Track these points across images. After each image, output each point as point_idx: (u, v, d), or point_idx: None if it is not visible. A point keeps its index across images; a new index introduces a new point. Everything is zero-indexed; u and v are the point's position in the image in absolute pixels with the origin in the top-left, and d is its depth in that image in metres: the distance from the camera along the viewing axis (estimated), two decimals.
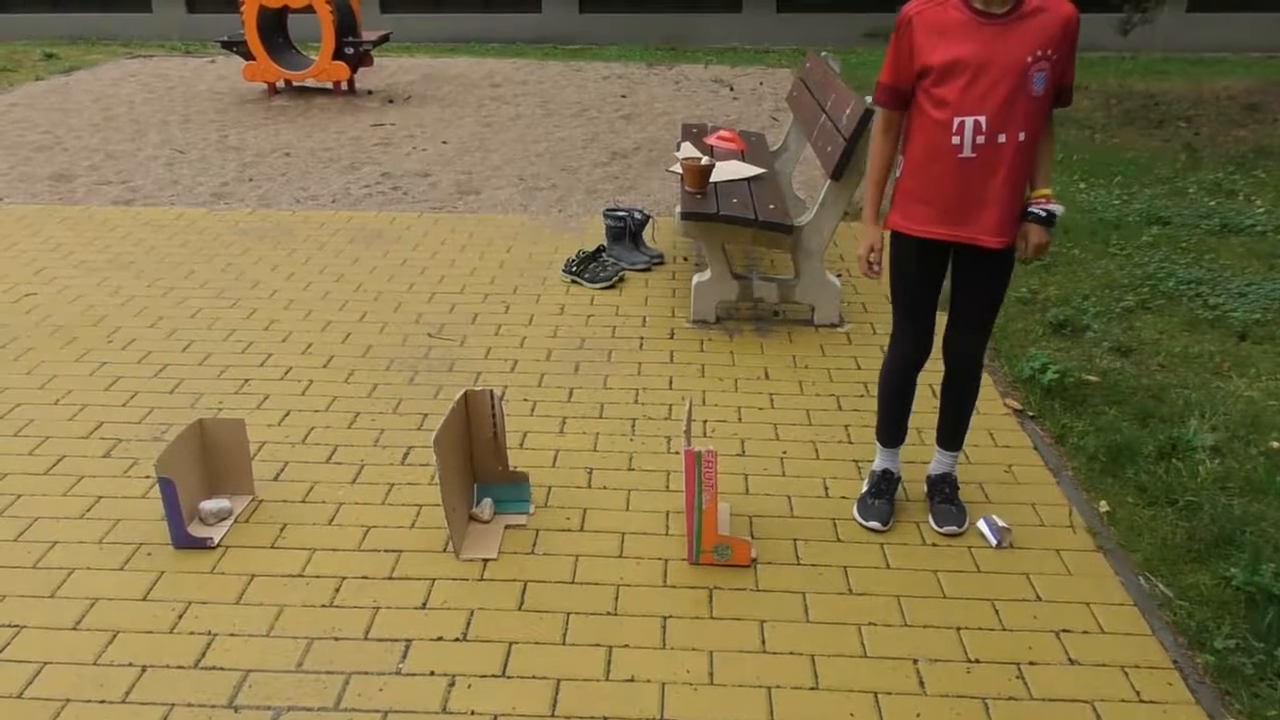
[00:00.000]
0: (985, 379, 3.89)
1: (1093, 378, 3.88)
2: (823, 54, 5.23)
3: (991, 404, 3.71)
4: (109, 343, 4.17)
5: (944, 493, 3.03)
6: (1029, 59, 2.48)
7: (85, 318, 4.40)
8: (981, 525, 2.98)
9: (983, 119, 2.51)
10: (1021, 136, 2.53)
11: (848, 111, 4.08)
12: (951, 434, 3.01)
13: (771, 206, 4.34)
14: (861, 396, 3.77)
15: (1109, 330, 4.31)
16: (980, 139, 2.53)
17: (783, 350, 4.15)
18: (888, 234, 2.80)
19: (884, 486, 3.06)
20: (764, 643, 2.53)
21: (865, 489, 3.10)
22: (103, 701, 2.34)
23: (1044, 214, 2.64)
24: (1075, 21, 2.50)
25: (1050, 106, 2.59)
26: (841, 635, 2.56)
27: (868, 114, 3.89)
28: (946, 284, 2.87)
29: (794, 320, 4.42)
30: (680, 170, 4.57)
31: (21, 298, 4.61)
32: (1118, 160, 7.05)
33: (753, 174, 4.81)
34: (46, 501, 3.10)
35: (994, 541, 2.91)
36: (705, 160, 4.44)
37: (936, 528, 2.97)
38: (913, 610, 2.65)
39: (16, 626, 2.58)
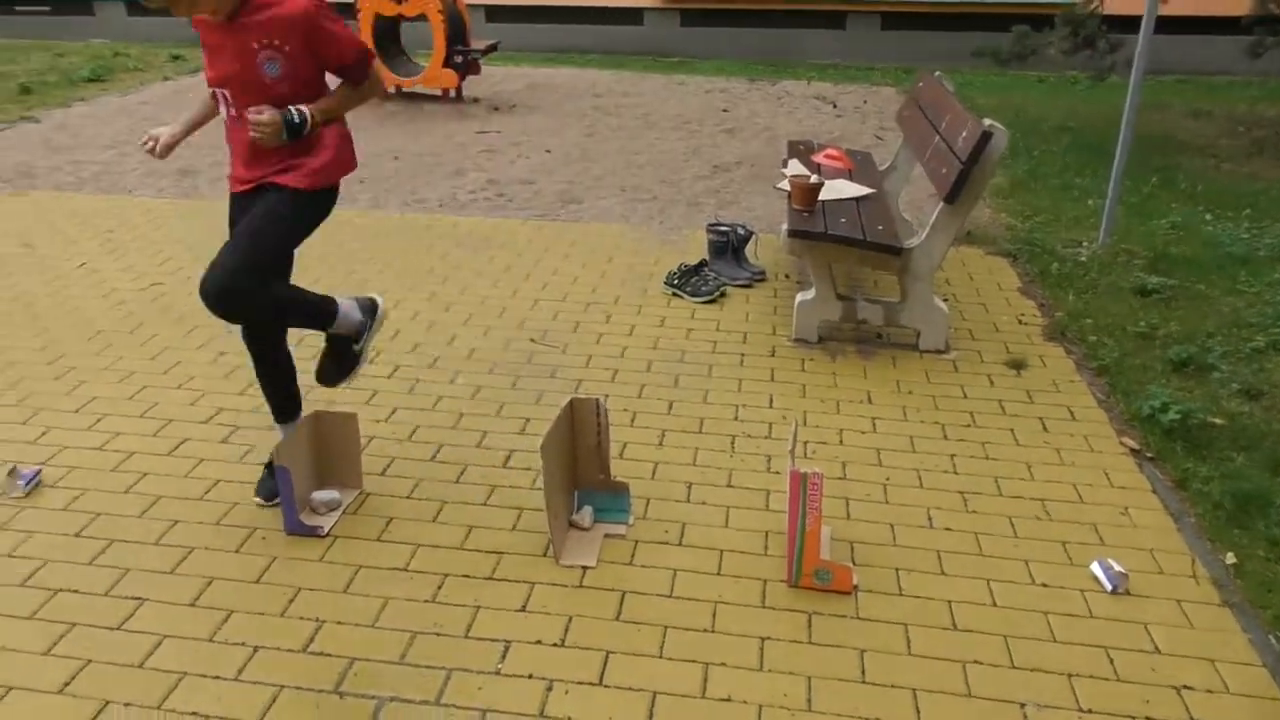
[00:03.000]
0: (1101, 415, 3.79)
1: (1218, 420, 3.74)
2: (935, 73, 5.17)
3: (1107, 441, 3.61)
4: (227, 333, 4.31)
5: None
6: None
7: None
8: (1095, 568, 2.89)
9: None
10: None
11: (964, 134, 4.02)
12: None
13: (880, 227, 4.30)
14: (968, 426, 3.71)
15: (1237, 371, 4.15)
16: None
17: (886, 374, 4.10)
18: None
19: None
20: (864, 673, 2.50)
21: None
22: (217, 678, 2.42)
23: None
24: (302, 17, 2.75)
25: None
26: (945, 671, 2.52)
27: (986, 136, 3.83)
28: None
29: (898, 344, 4.36)
30: (788, 187, 4.56)
31: (148, 286, 4.81)
32: (1247, 191, 6.79)
33: (861, 193, 4.77)
34: (170, 482, 3.22)
35: (1109, 586, 2.82)
36: (814, 178, 4.42)
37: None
38: (1021, 652, 2.59)
39: (139, 599, 2.69)
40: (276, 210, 2.85)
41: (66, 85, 9.90)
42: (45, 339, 4.22)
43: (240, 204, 2.95)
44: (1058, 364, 4.23)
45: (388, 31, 9.40)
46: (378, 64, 3.58)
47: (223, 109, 2.90)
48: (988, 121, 3.93)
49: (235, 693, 2.38)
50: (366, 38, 8.98)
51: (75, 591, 2.72)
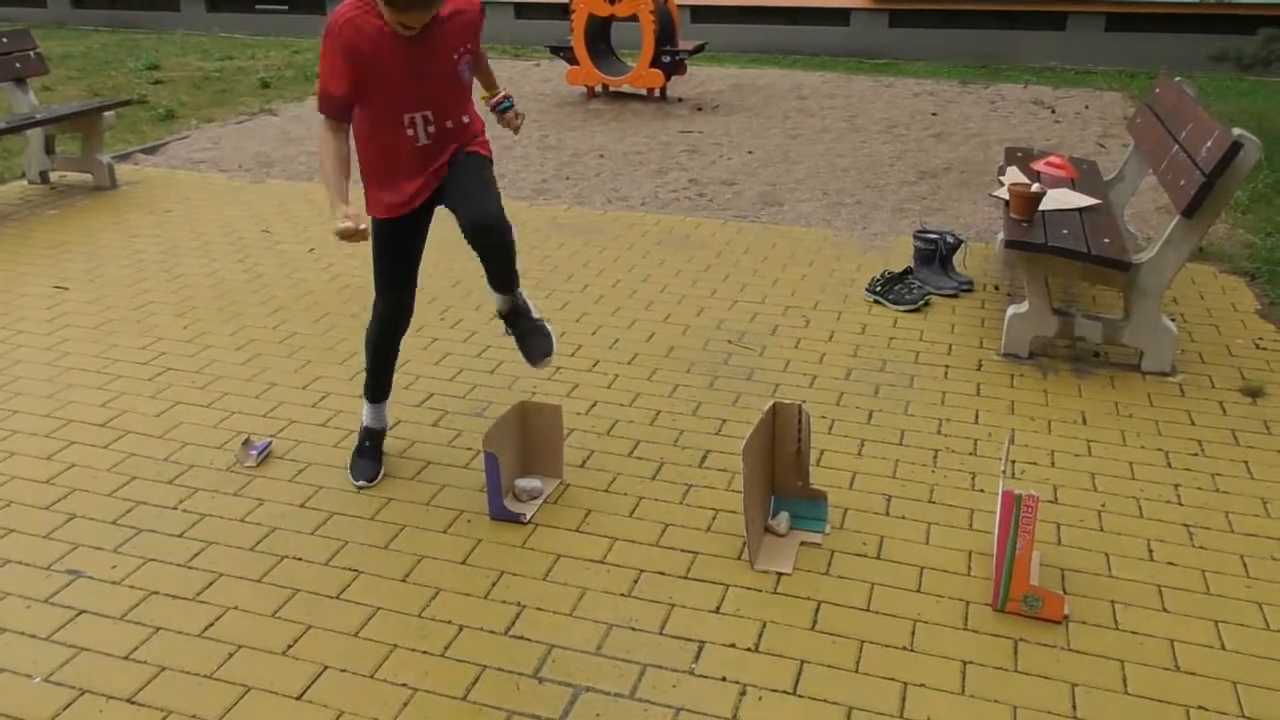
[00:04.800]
0: None
1: None
2: (1176, 79, 4.85)
3: None
4: (440, 320, 4.52)
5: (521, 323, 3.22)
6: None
7: (421, 295, 4.79)
8: None
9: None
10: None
11: (1209, 144, 3.75)
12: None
13: (1106, 240, 4.06)
14: (1195, 455, 3.46)
15: None
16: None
17: (1103, 395, 3.88)
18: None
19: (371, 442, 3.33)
20: (1075, 707, 2.37)
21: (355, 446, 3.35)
22: (425, 653, 2.54)
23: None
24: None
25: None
26: (1165, 715, 2.35)
27: (1235, 148, 3.56)
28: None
29: (1117, 364, 4.12)
30: (1006, 195, 4.37)
31: (370, 273, 5.09)
32: None
33: (1085, 204, 4.53)
34: (386, 461, 3.39)
35: None
36: (1035, 187, 4.23)
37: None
38: (1253, 701, 2.39)
39: (356, 571, 2.85)
40: (487, 167, 3.01)
41: (302, 80, 10.61)
42: (279, 318, 4.53)
43: (416, 220, 3.08)
44: None
45: (599, 31, 9.61)
46: None
47: (411, 131, 2.89)
48: (1237, 131, 3.65)
49: (441, 669, 2.49)
50: (578, 37, 9.22)
51: (299, 559, 2.90)
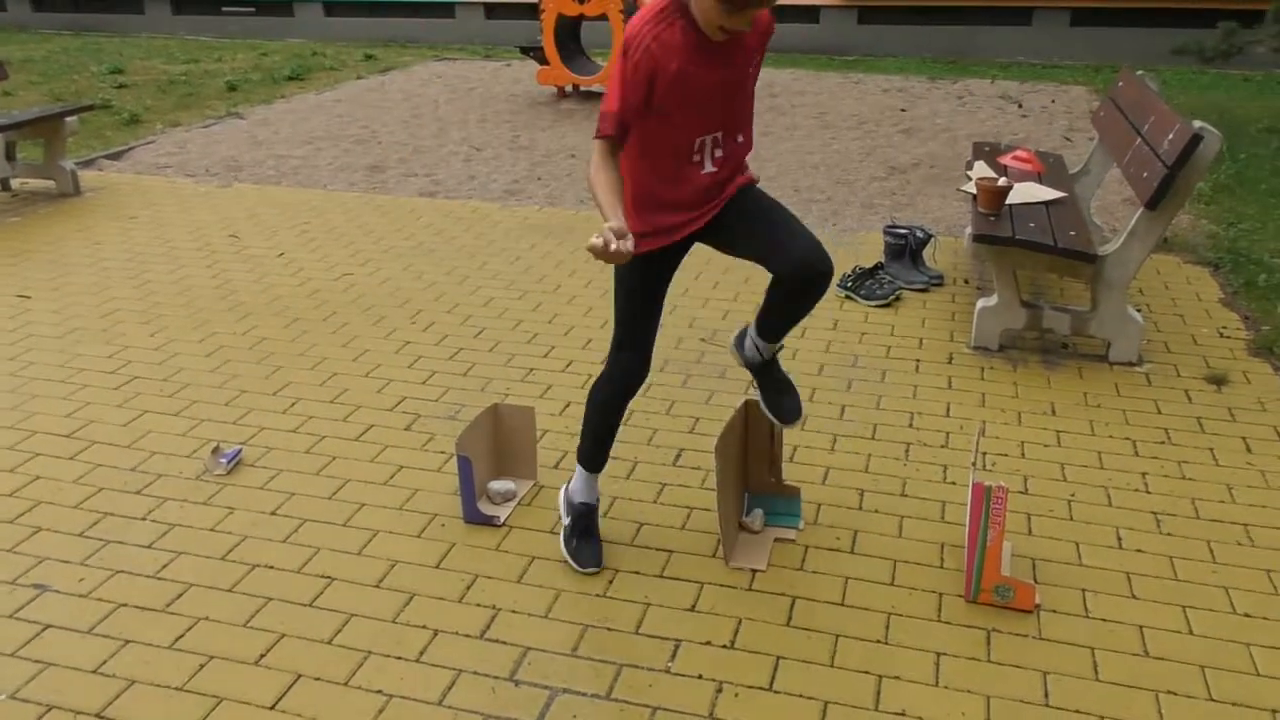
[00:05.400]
0: None
1: None
2: (1139, 72, 4.90)
3: None
4: (412, 323, 4.50)
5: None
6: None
7: (393, 299, 4.77)
8: None
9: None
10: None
11: (1170, 136, 3.79)
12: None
13: (1072, 233, 4.10)
14: (1162, 443, 3.50)
15: None
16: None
17: (1072, 386, 3.91)
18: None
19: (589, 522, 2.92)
20: (1048, 696, 2.39)
21: (567, 524, 2.94)
22: (399, 658, 2.52)
23: None
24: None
25: None
26: (1136, 700, 2.38)
27: (1195, 140, 3.60)
28: None
29: (1085, 355, 4.16)
30: (973, 190, 4.40)
31: (340, 276, 5.06)
32: None
33: (1051, 197, 4.57)
34: (357, 466, 3.38)
35: None
36: (1002, 181, 4.26)
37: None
38: (1221, 684, 2.42)
39: (329, 578, 2.83)
40: (779, 204, 2.67)
41: (270, 83, 10.53)
42: (248, 324, 4.50)
43: (677, 253, 2.70)
44: (1264, 381, 3.94)
45: (569, 30, 9.60)
46: None
47: (699, 156, 2.55)
48: (1198, 123, 3.69)
49: (417, 674, 2.48)
50: (548, 37, 9.20)
51: (271, 567, 2.88)
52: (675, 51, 2.39)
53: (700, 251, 5.39)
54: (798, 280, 2.54)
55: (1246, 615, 2.66)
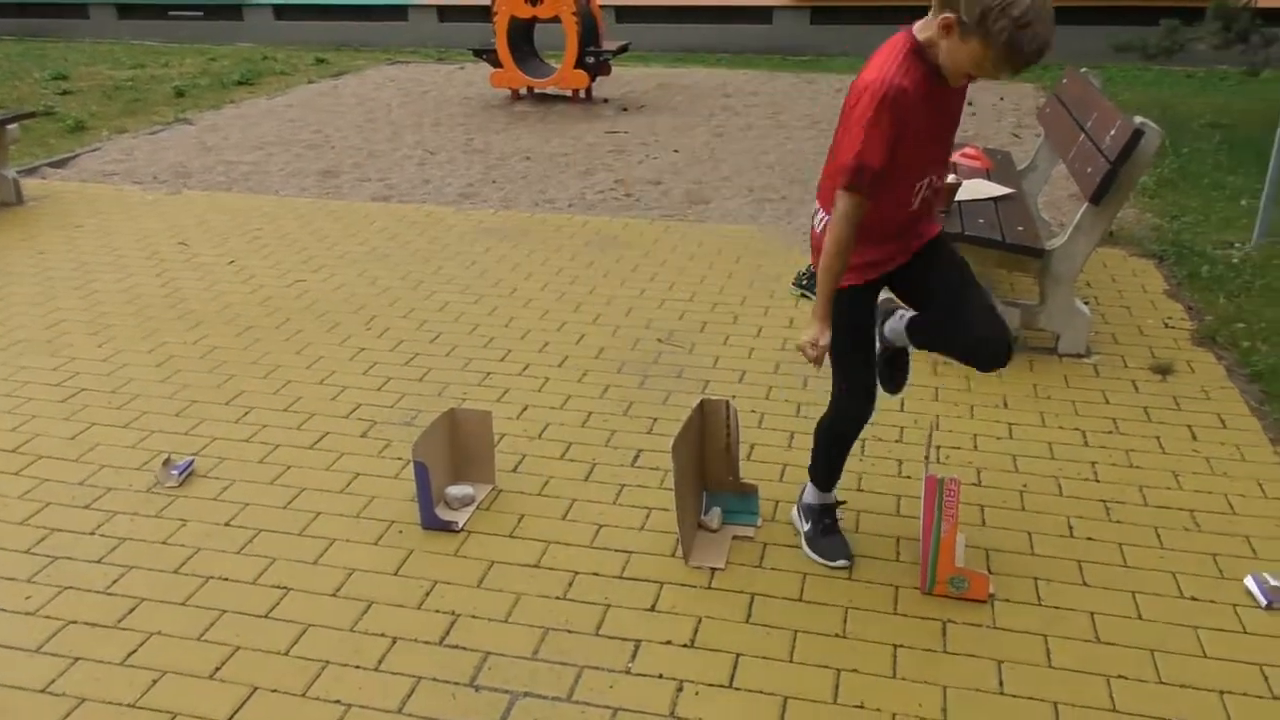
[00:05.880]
0: (1254, 423, 3.60)
1: None
2: (1083, 69, 4.98)
3: (1260, 450, 3.43)
4: (367, 329, 4.46)
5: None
6: None
7: (347, 305, 4.73)
8: (1249, 583, 2.75)
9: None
10: None
11: (1113, 132, 3.86)
12: None
13: (1020, 228, 4.16)
14: (1110, 433, 3.56)
15: None
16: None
17: (1023, 379, 3.97)
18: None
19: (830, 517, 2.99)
20: (1002, 684, 2.43)
21: (808, 529, 2.98)
22: (358, 667, 2.51)
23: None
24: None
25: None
26: (1088, 685, 2.42)
27: (1136, 135, 3.66)
28: None
29: (1036, 348, 4.22)
30: None
31: (293, 283, 5.01)
32: None
33: (999, 194, 4.63)
34: (313, 475, 3.35)
35: (1264, 602, 2.67)
36: (951, 178, 4.30)
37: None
38: (1169, 667, 2.47)
39: (285, 588, 2.80)
40: (968, 263, 2.73)
41: (219, 88, 10.40)
42: (199, 333, 4.44)
43: (880, 287, 2.74)
44: (1207, 370, 4.03)
45: (522, 32, 9.58)
46: None
47: (917, 198, 2.58)
48: (1139, 119, 3.76)
49: (375, 682, 2.46)
50: (500, 40, 9.17)
51: (225, 579, 2.85)
52: (920, 99, 2.39)
53: (655, 252, 5.41)
54: (972, 359, 2.65)
55: (1193, 599, 2.72)
